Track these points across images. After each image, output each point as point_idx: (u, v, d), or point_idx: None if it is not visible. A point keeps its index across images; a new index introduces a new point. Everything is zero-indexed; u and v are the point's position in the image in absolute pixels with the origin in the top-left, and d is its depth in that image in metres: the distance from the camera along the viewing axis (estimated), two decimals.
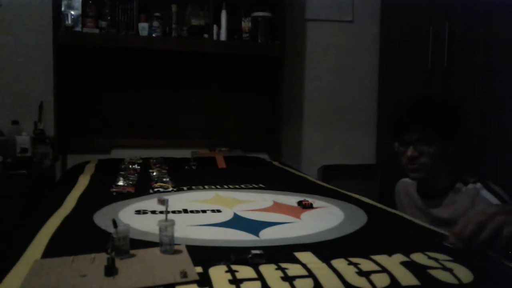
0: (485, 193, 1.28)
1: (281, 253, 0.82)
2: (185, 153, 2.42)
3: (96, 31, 2.33)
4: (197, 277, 0.69)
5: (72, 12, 2.30)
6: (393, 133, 1.46)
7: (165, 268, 0.73)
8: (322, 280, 0.70)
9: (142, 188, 1.52)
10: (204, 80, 2.69)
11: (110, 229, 0.77)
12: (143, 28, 2.37)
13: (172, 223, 0.81)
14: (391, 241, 0.95)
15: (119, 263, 0.73)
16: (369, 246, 0.90)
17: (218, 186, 1.58)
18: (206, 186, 1.57)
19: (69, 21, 2.28)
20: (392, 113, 2.67)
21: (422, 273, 0.74)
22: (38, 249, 0.86)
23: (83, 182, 1.69)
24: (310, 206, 1.26)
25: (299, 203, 1.28)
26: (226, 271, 0.72)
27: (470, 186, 1.34)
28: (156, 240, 0.83)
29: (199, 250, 0.84)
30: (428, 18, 2.33)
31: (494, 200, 1.25)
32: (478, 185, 1.32)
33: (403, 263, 0.77)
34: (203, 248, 0.87)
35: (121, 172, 1.82)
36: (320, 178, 2.73)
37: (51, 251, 0.85)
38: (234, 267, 0.73)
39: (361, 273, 0.73)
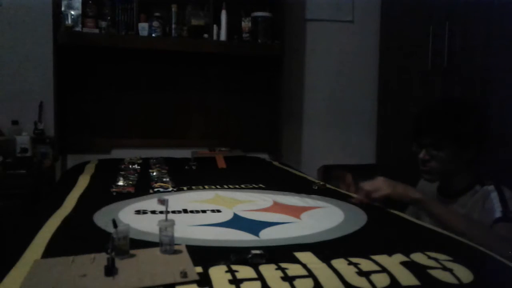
0: (493, 195, 1.30)
1: (281, 253, 0.82)
2: (185, 153, 2.42)
3: (96, 31, 2.33)
4: (197, 277, 0.69)
5: (72, 12, 2.30)
6: (412, 134, 1.46)
7: (165, 268, 0.73)
8: (322, 280, 0.70)
9: (142, 188, 1.52)
10: (204, 80, 2.69)
11: (110, 229, 0.77)
12: (143, 28, 2.37)
13: (172, 223, 0.81)
14: (391, 241, 0.95)
15: (119, 263, 0.74)
16: (369, 246, 0.90)
17: (218, 186, 1.58)
18: (206, 186, 1.57)
19: (69, 21, 2.28)
20: (402, 115, 2.68)
21: (422, 273, 0.74)
22: (38, 249, 0.86)
23: (83, 182, 1.69)
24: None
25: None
26: (226, 271, 0.72)
27: (485, 188, 1.34)
28: (156, 240, 0.83)
29: (199, 250, 0.84)
30: (428, 18, 2.32)
31: (497, 202, 1.28)
32: (491, 187, 1.33)
33: (403, 263, 0.77)
34: (203, 248, 0.87)
35: (121, 172, 1.82)
36: (320, 178, 2.72)
37: (51, 251, 0.85)
38: (234, 267, 0.73)
39: (361, 273, 0.73)
